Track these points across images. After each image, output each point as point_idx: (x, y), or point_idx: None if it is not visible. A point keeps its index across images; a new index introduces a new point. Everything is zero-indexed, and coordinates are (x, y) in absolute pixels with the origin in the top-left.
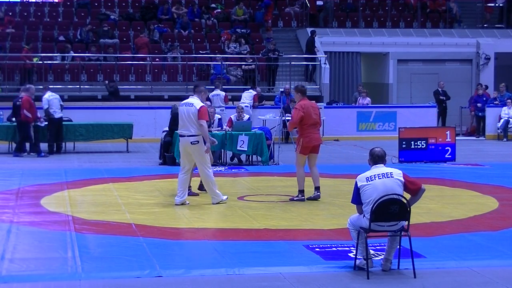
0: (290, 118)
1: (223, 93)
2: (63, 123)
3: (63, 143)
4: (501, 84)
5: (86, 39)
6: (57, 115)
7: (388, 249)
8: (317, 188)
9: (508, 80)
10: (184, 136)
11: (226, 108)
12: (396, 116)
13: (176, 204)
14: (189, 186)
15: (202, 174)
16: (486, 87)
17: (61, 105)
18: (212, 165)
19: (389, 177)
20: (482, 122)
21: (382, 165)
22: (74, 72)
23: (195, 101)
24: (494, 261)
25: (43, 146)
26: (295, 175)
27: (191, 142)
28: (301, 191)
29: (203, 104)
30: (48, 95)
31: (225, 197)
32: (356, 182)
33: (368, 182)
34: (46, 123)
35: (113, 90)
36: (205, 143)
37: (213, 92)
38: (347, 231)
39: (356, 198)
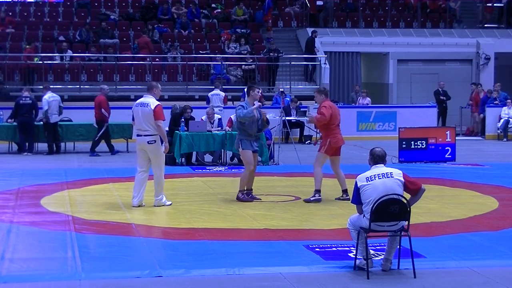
0: (290, 118)
1: (222, 94)
2: (63, 123)
3: (64, 144)
4: (496, 84)
5: (86, 39)
6: (53, 119)
7: (388, 249)
8: (345, 191)
9: (508, 80)
10: (140, 135)
11: (225, 108)
12: (396, 116)
13: (133, 206)
14: (243, 190)
15: (155, 175)
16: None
17: (60, 106)
18: (212, 165)
19: (389, 177)
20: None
21: (382, 165)
22: (74, 72)
23: (150, 101)
24: (494, 261)
25: (43, 146)
26: (294, 175)
27: (147, 142)
28: (318, 191)
29: (158, 103)
30: (48, 96)
31: (168, 202)
32: (356, 182)
33: (368, 182)
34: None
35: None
36: (161, 142)
37: (212, 92)
38: (347, 231)
39: (356, 198)
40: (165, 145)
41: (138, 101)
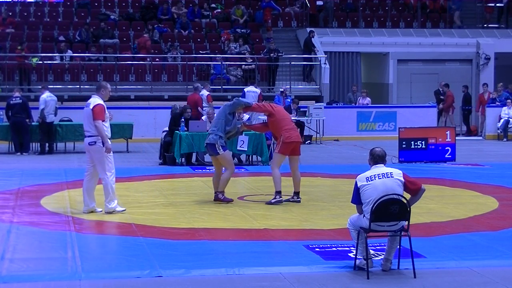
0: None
1: (206, 93)
2: (63, 123)
3: (64, 144)
4: (499, 84)
5: (86, 39)
6: (49, 119)
7: (388, 249)
8: (296, 193)
9: (508, 80)
10: (85, 136)
11: (214, 108)
12: (396, 116)
13: (84, 212)
14: (222, 191)
15: (102, 180)
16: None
17: (56, 107)
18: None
19: (389, 177)
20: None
21: (382, 165)
22: (74, 72)
23: (92, 100)
24: (494, 261)
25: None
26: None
27: (88, 143)
28: (279, 192)
29: (99, 103)
30: (46, 95)
31: (121, 208)
32: (356, 182)
33: (368, 182)
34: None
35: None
36: (103, 144)
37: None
38: (347, 231)
39: (356, 198)
40: (106, 146)
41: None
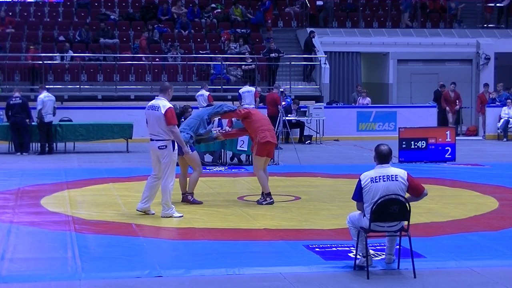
0: (290, 118)
1: (206, 93)
2: (63, 123)
3: (64, 144)
4: (499, 84)
5: (86, 39)
6: (47, 119)
7: (388, 246)
8: (267, 194)
9: (508, 80)
10: (153, 140)
11: None
12: (396, 116)
13: (137, 210)
14: (191, 193)
15: (163, 182)
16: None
17: (54, 107)
18: (212, 165)
19: (393, 180)
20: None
21: (388, 165)
22: (74, 72)
23: (161, 103)
24: (494, 261)
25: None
26: (294, 175)
27: (158, 147)
28: (268, 194)
29: (170, 106)
30: (43, 95)
31: (178, 214)
32: (360, 180)
33: (372, 183)
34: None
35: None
36: (173, 148)
37: (198, 93)
38: (347, 231)
39: (358, 195)
40: (184, 149)
41: (149, 103)
